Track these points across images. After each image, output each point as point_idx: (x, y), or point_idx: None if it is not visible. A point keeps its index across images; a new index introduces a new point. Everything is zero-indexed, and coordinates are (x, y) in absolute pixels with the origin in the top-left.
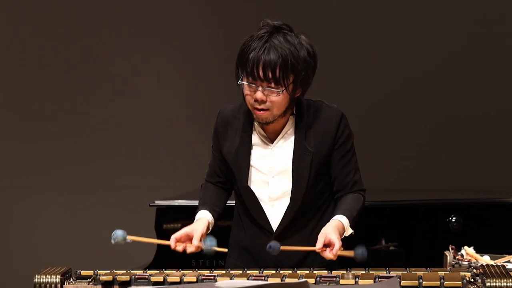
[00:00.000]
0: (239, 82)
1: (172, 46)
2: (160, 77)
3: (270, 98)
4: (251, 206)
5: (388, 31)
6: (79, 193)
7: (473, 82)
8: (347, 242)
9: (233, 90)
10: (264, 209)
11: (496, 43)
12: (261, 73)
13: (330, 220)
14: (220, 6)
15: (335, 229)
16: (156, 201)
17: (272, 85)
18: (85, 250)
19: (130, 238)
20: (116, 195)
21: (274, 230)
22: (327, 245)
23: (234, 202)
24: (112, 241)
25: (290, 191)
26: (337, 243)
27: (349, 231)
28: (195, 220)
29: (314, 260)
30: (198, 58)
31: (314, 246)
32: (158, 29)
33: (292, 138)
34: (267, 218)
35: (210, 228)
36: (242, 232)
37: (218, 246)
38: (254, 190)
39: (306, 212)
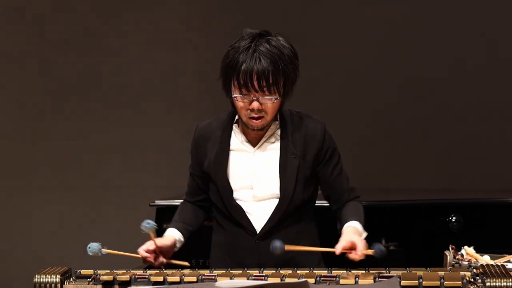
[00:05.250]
0: (234, 96)
1: (170, 49)
2: (160, 77)
3: (266, 106)
4: (232, 209)
5: (381, 33)
6: (79, 193)
7: (473, 81)
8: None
9: None
10: (246, 210)
11: (490, 41)
12: (255, 83)
13: (346, 228)
14: (218, 11)
15: (354, 233)
16: (156, 201)
17: (267, 93)
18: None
19: (105, 251)
20: (116, 195)
21: (258, 231)
22: (351, 248)
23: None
24: (89, 253)
25: (276, 193)
26: (360, 244)
27: (364, 234)
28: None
29: (299, 261)
30: (196, 61)
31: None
32: (157, 32)
33: (276, 142)
34: (249, 219)
35: (178, 246)
36: (222, 237)
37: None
38: (235, 193)
39: (291, 215)
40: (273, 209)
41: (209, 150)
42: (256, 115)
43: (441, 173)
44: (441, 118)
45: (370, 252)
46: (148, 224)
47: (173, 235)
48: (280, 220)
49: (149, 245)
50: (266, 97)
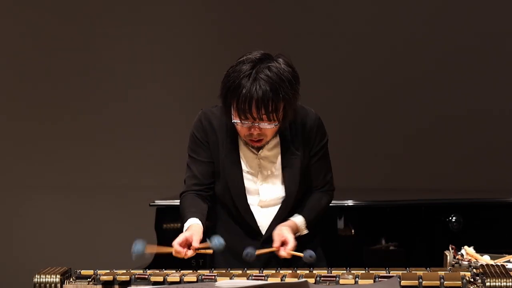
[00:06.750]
0: (233, 121)
1: (169, 48)
2: (159, 78)
3: (265, 130)
4: (243, 211)
5: (381, 32)
6: (79, 193)
7: (474, 81)
8: (347, 242)
9: None
10: (254, 213)
11: (492, 43)
12: (254, 111)
13: (286, 222)
14: (218, 10)
15: (289, 229)
16: (156, 201)
17: (266, 119)
18: (85, 250)
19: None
20: (116, 195)
21: (263, 233)
22: (283, 242)
23: None
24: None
25: (281, 196)
26: (291, 242)
27: (303, 232)
28: (187, 226)
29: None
30: (195, 59)
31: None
32: (155, 32)
33: (277, 142)
34: (256, 222)
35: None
36: (228, 236)
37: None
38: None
39: (293, 211)
40: (276, 213)
41: (220, 139)
42: (255, 139)
43: (441, 173)
44: (441, 118)
45: (299, 254)
46: (137, 250)
47: (199, 224)
48: (283, 221)
49: (183, 238)
50: (265, 123)
